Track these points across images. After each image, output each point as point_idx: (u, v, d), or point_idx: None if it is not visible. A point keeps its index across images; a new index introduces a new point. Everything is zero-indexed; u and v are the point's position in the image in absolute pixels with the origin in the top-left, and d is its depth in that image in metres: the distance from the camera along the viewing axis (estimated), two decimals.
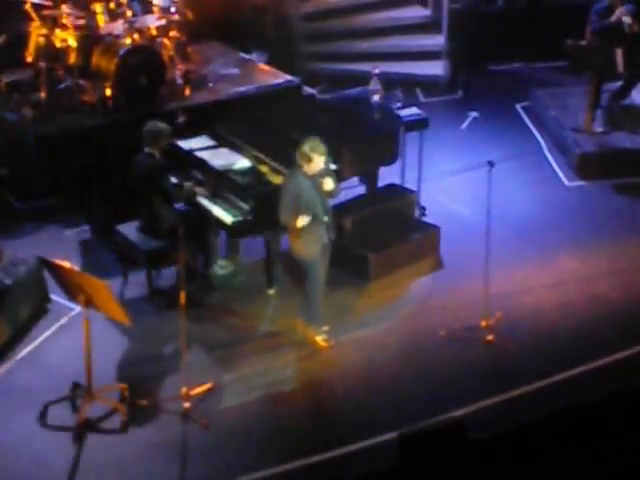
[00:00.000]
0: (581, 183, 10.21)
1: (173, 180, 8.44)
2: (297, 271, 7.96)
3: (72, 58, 10.22)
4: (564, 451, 6.75)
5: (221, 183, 8.43)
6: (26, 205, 9.74)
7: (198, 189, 8.38)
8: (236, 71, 11.04)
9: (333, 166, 8.38)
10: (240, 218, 8.18)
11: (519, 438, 6.88)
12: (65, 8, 10.23)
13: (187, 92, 10.54)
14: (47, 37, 10.15)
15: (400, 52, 12.16)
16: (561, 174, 10.35)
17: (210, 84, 10.78)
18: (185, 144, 8.80)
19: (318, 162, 7.61)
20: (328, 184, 7.71)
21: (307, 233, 7.69)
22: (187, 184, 8.43)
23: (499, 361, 7.80)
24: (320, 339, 7.90)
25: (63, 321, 8.12)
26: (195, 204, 8.43)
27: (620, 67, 10.35)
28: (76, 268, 7.34)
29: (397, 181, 9.43)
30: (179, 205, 8.55)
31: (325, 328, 7.91)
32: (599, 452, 6.71)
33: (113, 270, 8.57)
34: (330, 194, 7.77)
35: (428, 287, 8.65)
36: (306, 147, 7.58)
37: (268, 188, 8.23)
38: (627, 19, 10.13)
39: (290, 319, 8.05)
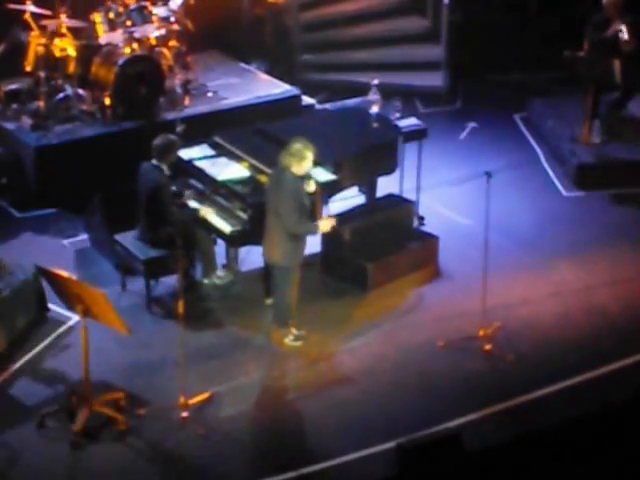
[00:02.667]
0: (579, 193, 10.22)
1: (172, 188, 8.46)
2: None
3: (71, 67, 10.23)
4: (563, 463, 6.74)
5: (220, 192, 8.44)
6: (25, 214, 9.75)
7: (187, 193, 8.34)
8: (235, 80, 11.06)
9: (333, 176, 8.42)
10: (239, 227, 8.19)
11: (516, 449, 6.88)
12: (64, 18, 10.25)
13: (186, 102, 10.56)
14: (46, 46, 10.15)
15: (399, 63, 12.18)
16: (559, 184, 10.36)
17: (209, 94, 10.80)
18: (184, 153, 8.81)
19: (309, 161, 7.64)
20: (311, 185, 7.78)
21: (301, 239, 7.71)
22: (187, 193, 8.44)
23: (497, 371, 7.79)
24: (288, 340, 7.89)
25: (61, 330, 8.11)
26: (194, 214, 8.43)
27: (618, 78, 10.37)
28: (74, 277, 7.34)
29: (396, 191, 9.44)
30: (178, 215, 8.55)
31: (295, 332, 7.91)
32: (598, 464, 6.71)
33: (111, 279, 8.57)
34: (312, 194, 7.78)
35: (426, 297, 8.65)
36: (298, 146, 7.60)
37: None
38: (624, 35, 10.15)
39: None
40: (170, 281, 8.38)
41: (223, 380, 7.64)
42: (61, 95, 10.18)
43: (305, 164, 7.66)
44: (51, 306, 8.24)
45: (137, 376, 7.69)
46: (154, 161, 8.27)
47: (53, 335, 8.08)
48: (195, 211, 8.34)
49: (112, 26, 10.42)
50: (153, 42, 10.53)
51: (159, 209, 8.22)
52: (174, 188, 8.45)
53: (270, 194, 7.79)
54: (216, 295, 8.55)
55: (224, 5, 11.75)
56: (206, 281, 8.61)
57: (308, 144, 7.67)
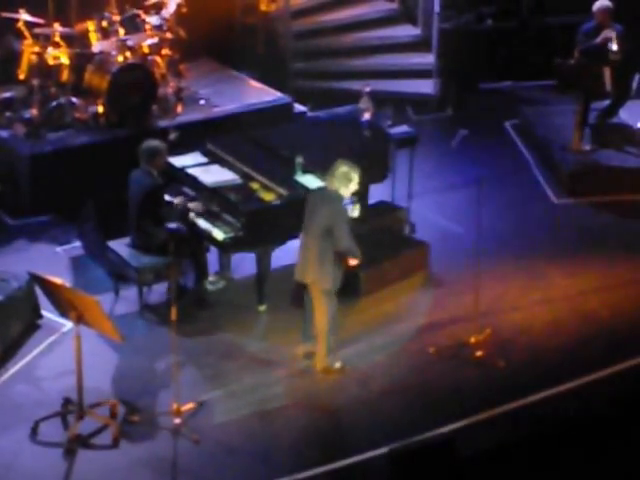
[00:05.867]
0: (569, 201, 10.27)
1: (166, 197, 8.48)
2: (289, 288, 8.00)
3: (64, 75, 10.25)
4: (555, 468, 6.78)
5: (213, 200, 8.47)
6: (18, 221, 9.77)
7: (191, 205, 8.41)
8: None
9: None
10: (231, 234, 8.23)
11: (508, 455, 6.91)
12: (57, 26, 10.28)
13: (179, 109, 10.60)
14: (40, 54, 10.17)
15: (391, 70, 12.24)
16: (549, 192, 10.41)
17: (202, 101, 10.84)
18: (177, 161, 8.85)
19: (355, 184, 7.55)
20: (356, 210, 7.75)
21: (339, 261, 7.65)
22: (178, 199, 8.46)
23: (488, 377, 7.83)
24: (339, 365, 7.85)
25: (54, 337, 8.13)
26: (187, 220, 8.46)
27: (608, 86, 10.43)
28: (67, 284, 7.36)
29: (387, 198, 9.49)
30: (171, 221, 8.58)
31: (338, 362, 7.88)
32: (591, 468, 6.74)
33: (104, 286, 8.58)
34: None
35: (418, 303, 8.69)
36: (344, 169, 7.48)
37: (259, 205, 8.28)
38: (613, 46, 10.20)
39: (281, 335, 8.10)
40: (163, 288, 8.41)
41: (216, 387, 7.66)
42: (54, 103, 10.20)
43: (352, 186, 7.55)
44: (45, 313, 8.25)
45: (130, 383, 7.71)
46: (143, 167, 8.30)
47: (47, 342, 8.09)
48: (186, 211, 8.35)
49: (105, 34, 10.46)
50: (146, 50, 10.55)
51: (154, 212, 8.23)
52: (167, 197, 8.49)
53: (311, 215, 7.60)
54: (209, 302, 8.57)
55: (216, 13, 11.78)
56: (199, 288, 8.63)
57: (354, 166, 7.52)
